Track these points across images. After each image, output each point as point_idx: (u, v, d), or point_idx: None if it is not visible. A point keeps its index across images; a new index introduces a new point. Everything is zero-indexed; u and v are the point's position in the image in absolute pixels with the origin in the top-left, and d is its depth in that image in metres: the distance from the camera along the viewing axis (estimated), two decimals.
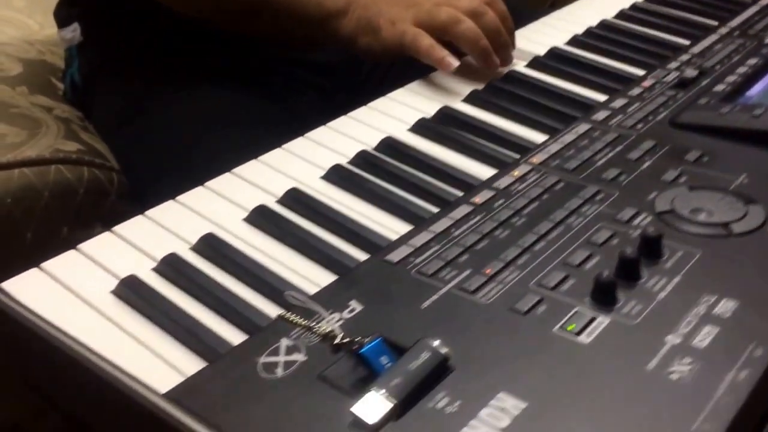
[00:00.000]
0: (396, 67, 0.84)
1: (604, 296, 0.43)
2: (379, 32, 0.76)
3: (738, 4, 0.91)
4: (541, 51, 0.81)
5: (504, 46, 0.76)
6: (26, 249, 0.80)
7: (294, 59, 0.89)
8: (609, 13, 0.90)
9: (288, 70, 0.89)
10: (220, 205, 0.57)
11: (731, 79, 0.70)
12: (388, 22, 0.75)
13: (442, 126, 0.67)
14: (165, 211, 0.56)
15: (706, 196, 0.53)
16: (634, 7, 0.93)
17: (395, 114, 0.69)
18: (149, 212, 0.56)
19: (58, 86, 1.00)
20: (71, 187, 0.83)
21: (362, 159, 0.62)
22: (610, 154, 0.60)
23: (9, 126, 0.86)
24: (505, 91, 0.73)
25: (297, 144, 0.65)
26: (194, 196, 0.58)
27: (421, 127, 0.67)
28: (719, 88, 0.68)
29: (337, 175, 0.60)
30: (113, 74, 0.91)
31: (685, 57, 0.77)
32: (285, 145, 0.64)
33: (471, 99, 0.72)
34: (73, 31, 0.93)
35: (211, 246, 0.52)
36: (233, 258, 0.51)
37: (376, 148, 0.64)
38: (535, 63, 0.79)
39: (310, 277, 0.50)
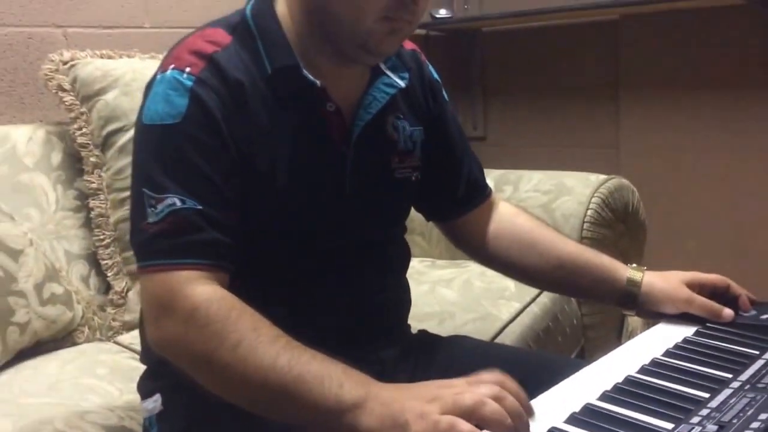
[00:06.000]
0: None
1: None
2: (408, 428, 0.77)
3: (747, 357, 1.03)
4: (575, 407, 0.91)
5: (526, 426, 0.81)
6: None
7: None
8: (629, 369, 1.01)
9: None
10: None
11: None
12: (416, 416, 0.77)
13: None
14: None
15: None
16: (654, 362, 1.04)
17: None
18: None
19: None
20: None
21: None
22: None
23: None
24: None
25: None
26: None
27: None
28: None
29: None
30: None
31: (704, 411, 0.86)
32: None
33: None
34: (155, 402, 1.04)
35: None
36: None
37: None
38: (573, 419, 0.88)
39: None
